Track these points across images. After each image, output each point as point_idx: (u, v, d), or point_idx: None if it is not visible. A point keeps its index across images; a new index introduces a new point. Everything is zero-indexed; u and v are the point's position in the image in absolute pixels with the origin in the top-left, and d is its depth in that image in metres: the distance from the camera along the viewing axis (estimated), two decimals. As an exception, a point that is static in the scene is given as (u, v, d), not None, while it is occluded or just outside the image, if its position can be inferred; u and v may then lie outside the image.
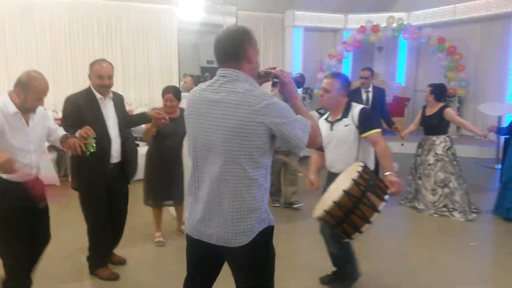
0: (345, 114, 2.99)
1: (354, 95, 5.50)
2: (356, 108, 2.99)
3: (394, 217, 5.23)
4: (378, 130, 2.94)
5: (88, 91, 3.31)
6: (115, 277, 3.49)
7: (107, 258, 3.64)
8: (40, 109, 2.81)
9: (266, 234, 1.89)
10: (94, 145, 2.91)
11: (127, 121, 3.59)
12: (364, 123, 2.92)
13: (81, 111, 3.20)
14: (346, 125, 2.96)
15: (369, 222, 2.42)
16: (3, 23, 7.75)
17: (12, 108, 2.59)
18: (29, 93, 2.60)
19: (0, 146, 2.57)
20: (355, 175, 2.48)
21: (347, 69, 10.93)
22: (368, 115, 2.97)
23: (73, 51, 8.24)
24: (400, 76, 11.25)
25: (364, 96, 5.43)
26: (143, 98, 8.92)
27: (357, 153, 2.98)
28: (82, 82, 7.86)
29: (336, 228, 2.51)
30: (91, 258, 3.55)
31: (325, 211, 2.44)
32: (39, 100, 2.68)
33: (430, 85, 5.35)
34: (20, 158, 2.63)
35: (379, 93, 5.54)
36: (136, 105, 8.43)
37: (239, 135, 1.71)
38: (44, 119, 2.91)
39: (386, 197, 2.51)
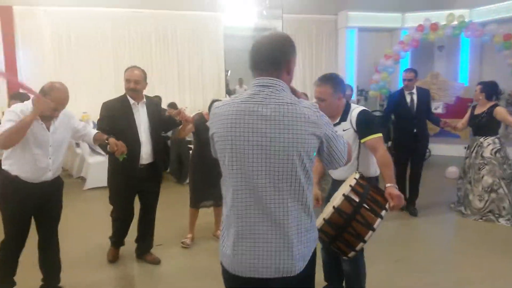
0: (344, 118, 2.71)
1: (398, 98, 5.24)
2: (355, 110, 2.71)
3: (440, 223, 4.97)
4: (379, 135, 2.62)
5: (123, 97, 3.57)
6: (111, 259, 3.87)
7: (142, 253, 3.93)
8: (64, 111, 2.91)
9: (315, 253, 1.75)
10: (125, 156, 3.23)
11: (161, 124, 3.80)
12: (363, 127, 2.64)
13: (114, 116, 3.47)
14: (344, 130, 2.68)
15: (363, 241, 2.19)
16: (69, 33, 8.30)
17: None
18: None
19: (20, 150, 2.75)
20: (347, 189, 2.26)
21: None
22: (367, 118, 2.68)
23: (133, 59, 8.64)
24: (463, 75, 10.66)
25: (408, 99, 5.15)
26: (197, 102, 9.17)
27: (357, 160, 2.72)
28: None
29: (331, 245, 2.31)
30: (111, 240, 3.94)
31: (317, 228, 2.22)
32: (55, 111, 2.78)
33: (480, 83, 5.04)
34: (37, 162, 2.81)
35: (423, 94, 5.24)
36: (191, 110, 8.66)
37: (297, 148, 1.57)
38: (69, 119, 3.04)
39: (383, 213, 2.24)
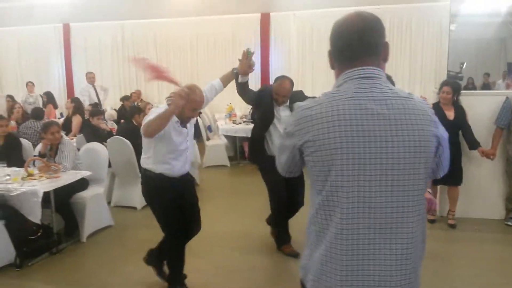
0: None
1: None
2: None
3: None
4: None
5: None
6: (295, 255, 3.82)
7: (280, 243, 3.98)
8: None
9: None
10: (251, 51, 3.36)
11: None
12: None
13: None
14: None
15: None
16: (311, 33, 9.50)
17: (175, 117, 2.94)
18: (187, 103, 2.85)
19: (166, 146, 2.99)
20: None
21: None
22: None
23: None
24: None
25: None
26: (426, 92, 9.06)
27: None
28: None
29: None
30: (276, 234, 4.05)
31: None
32: (194, 112, 3.02)
33: None
34: (179, 157, 3.08)
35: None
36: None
37: (423, 155, 1.28)
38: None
39: None
